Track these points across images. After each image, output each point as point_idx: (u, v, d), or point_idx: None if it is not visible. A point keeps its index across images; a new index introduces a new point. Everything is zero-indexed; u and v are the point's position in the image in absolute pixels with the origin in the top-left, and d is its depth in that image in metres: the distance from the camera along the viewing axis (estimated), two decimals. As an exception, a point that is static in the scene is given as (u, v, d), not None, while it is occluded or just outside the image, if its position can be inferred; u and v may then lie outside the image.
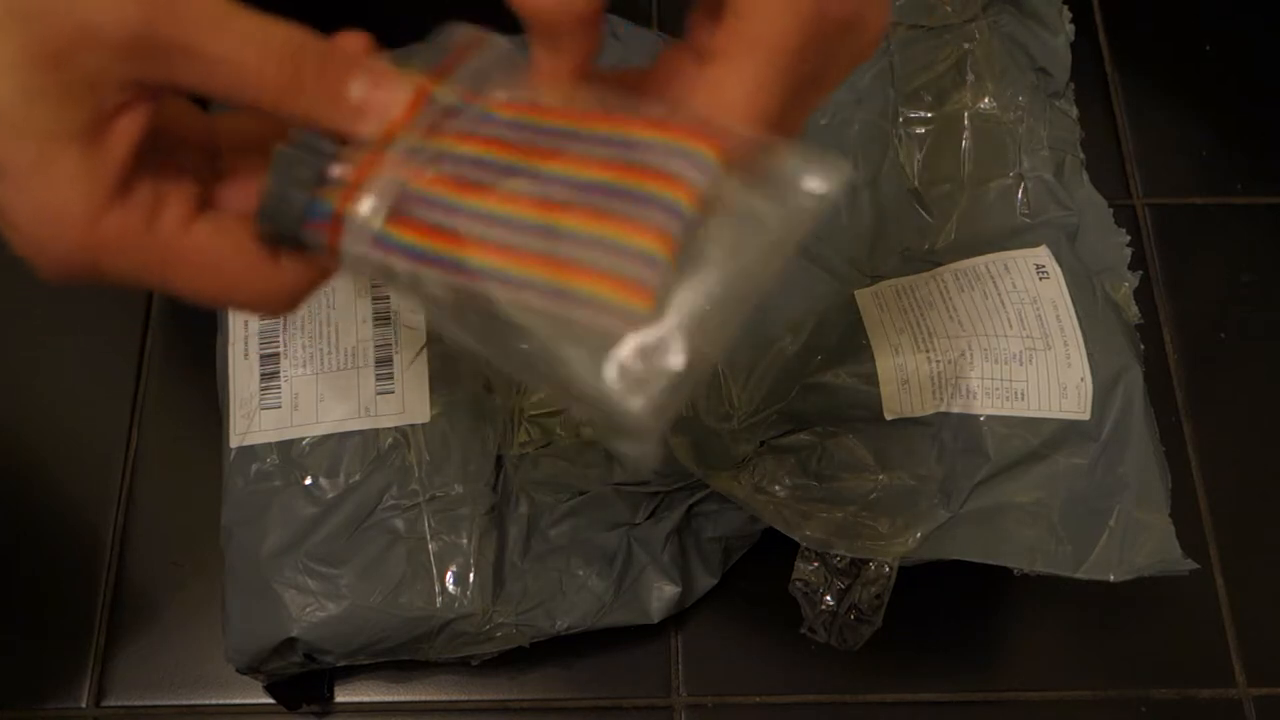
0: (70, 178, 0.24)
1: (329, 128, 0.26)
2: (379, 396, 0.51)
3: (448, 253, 0.25)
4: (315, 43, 0.26)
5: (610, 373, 0.23)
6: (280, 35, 0.25)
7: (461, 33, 0.28)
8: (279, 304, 0.27)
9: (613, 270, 0.23)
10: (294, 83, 0.25)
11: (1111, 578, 0.46)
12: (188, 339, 0.60)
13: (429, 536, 0.49)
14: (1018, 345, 0.49)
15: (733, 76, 0.26)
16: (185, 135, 0.28)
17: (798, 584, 0.48)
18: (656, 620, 0.51)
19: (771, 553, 0.51)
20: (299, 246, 0.26)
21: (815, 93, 0.27)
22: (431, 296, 0.25)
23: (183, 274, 0.26)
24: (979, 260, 0.51)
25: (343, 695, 0.53)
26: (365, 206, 0.25)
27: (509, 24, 0.29)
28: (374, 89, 0.26)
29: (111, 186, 0.24)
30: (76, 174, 0.24)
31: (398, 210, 0.25)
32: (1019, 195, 0.54)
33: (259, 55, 0.25)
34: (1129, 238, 0.54)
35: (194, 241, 0.26)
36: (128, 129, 0.25)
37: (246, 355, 0.52)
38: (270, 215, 0.26)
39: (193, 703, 0.53)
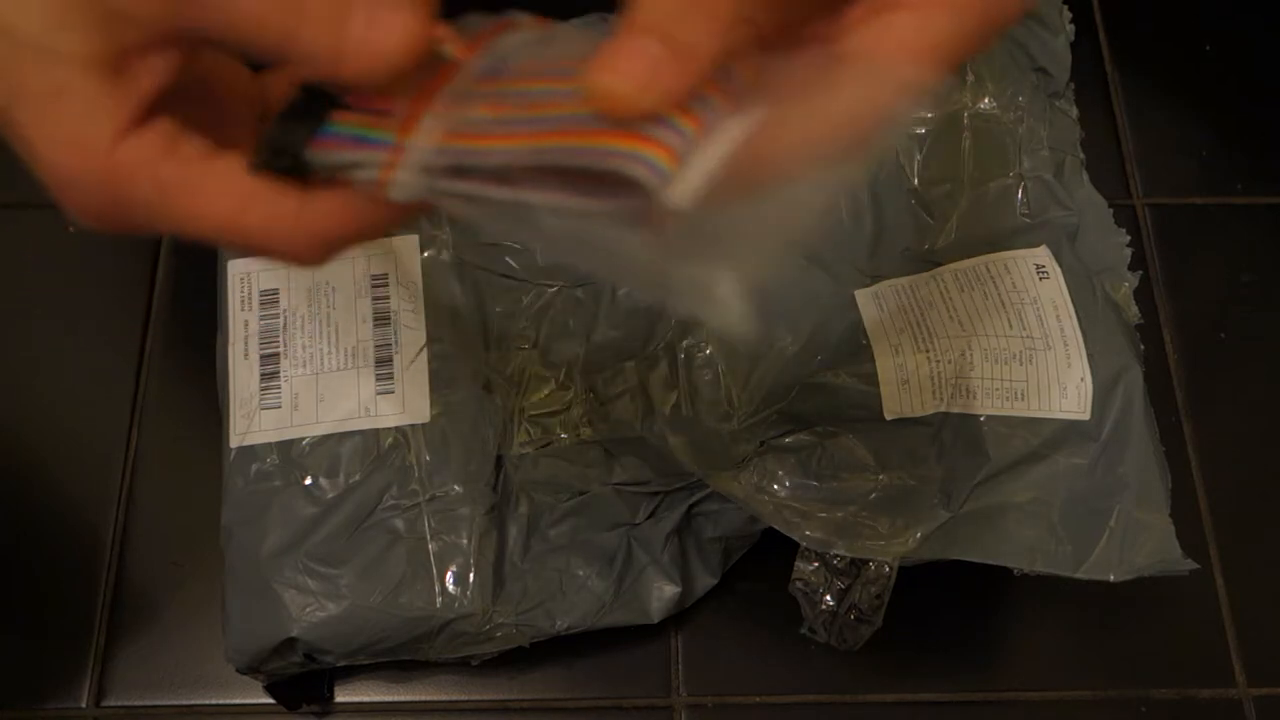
0: (90, 104, 0.24)
1: (332, 69, 0.25)
2: (379, 396, 0.51)
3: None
4: None
5: (645, 173, 0.22)
6: None
7: (486, 20, 0.28)
8: (307, 247, 0.26)
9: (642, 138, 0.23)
10: (297, 18, 0.24)
11: (1111, 578, 0.46)
12: (188, 339, 0.60)
13: (429, 536, 0.49)
14: (1018, 345, 0.49)
15: (921, 22, 0.24)
16: (234, 94, 0.28)
17: (798, 584, 0.48)
18: (656, 620, 0.51)
19: (771, 553, 0.51)
20: (304, 176, 0.26)
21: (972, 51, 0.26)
22: (480, 205, 0.25)
23: (202, 204, 0.25)
24: (979, 260, 0.51)
25: (343, 695, 0.53)
26: (424, 134, 0.25)
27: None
28: (371, 28, 0.25)
29: (131, 116, 0.24)
30: (97, 101, 0.24)
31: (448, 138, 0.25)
32: (1019, 195, 0.54)
33: None
34: (1129, 238, 0.54)
35: (215, 168, 0.25)
36: (154, 67, 0.25)
37: (246, 355, 0.52)
38: (273, 139, 0.25)
39: (193, 703, 0.53)
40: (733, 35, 0.23)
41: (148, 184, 0.25)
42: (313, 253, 0.26)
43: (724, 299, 0.23)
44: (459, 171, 0.25)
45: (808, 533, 0.47)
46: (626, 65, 0.23)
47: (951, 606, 0.55)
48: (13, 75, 0.24)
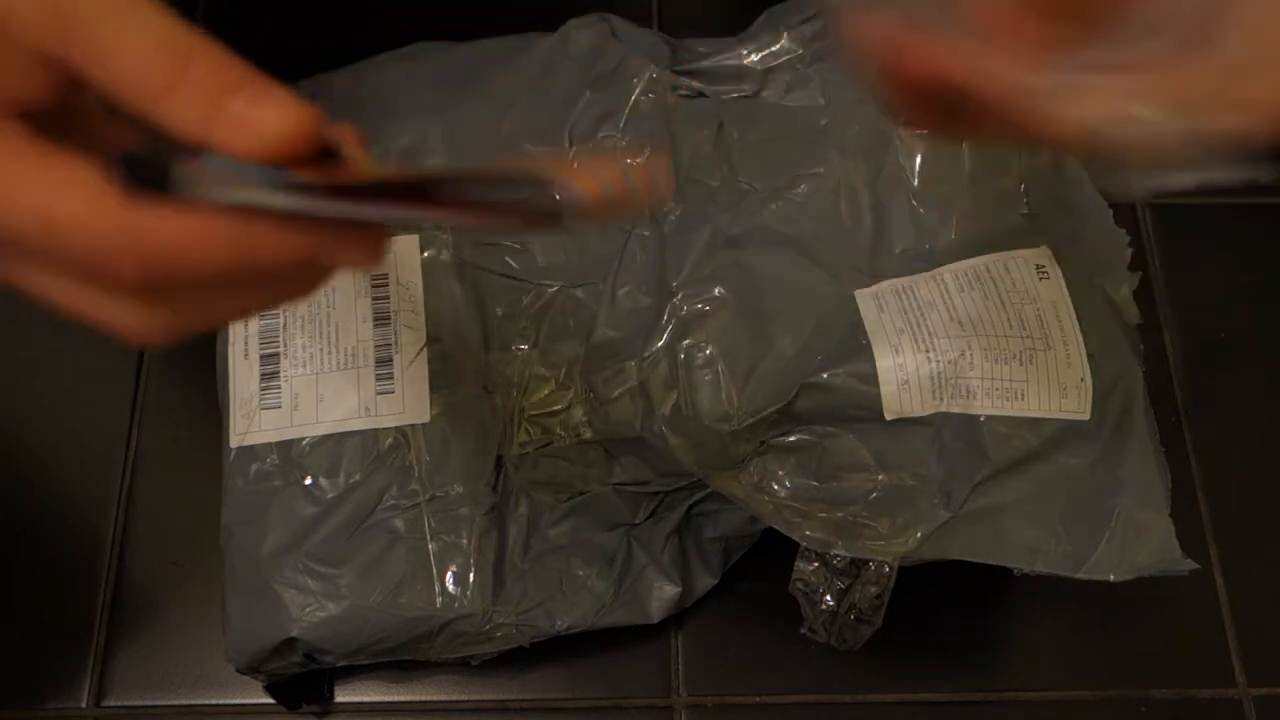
0: None
1: (200, 137, 0.24)
2: (379, 396, 0.51)
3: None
4: (212, 48, 0.24)
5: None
6: (179, 30, 0.24)
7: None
8: (133, 264, 0.25)
9: None
10: (178, 79, 0.24)
11: (1111, 578, 0.46)
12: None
13: (429, 536, 0.49)
14: (1018, 345, 0.49)
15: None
16: (106, 142, 0.27)
17: (798, 584, 0.48)
18: (656, 620, 0.51)
19: (771, 553, 0.51)
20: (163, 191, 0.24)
21: None
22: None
23: (18, 186, 0.24)
24: (979, 260, 0.51)
25: (343, 695, 0.53)
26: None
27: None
28: (254, 105, 0.24)
29: None
30: None
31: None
32: (1019, 195, 0.54)
33: (152, 50, 0.24)
34: (1129, 238, 0.54)
35: (43, 157, 0.24)
36: (14, 79, 0.24)
37: (246, 355, 0.52)
38: (134, 155, 0.24)
39: (193, 703, 0.53)
40: None
41: None
42: (135, 271, 0.24)
43: None
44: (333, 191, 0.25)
45: (808, 533, 0.47)
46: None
47: (951, 606, 0.55)
48: None
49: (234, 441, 0.51)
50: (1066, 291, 0.50)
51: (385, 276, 0.53)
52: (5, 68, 0.24)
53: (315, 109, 0.24)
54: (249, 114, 0.24)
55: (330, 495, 0.50)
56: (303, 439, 0.50)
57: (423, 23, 0.60)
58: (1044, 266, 0.51)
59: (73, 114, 0.26)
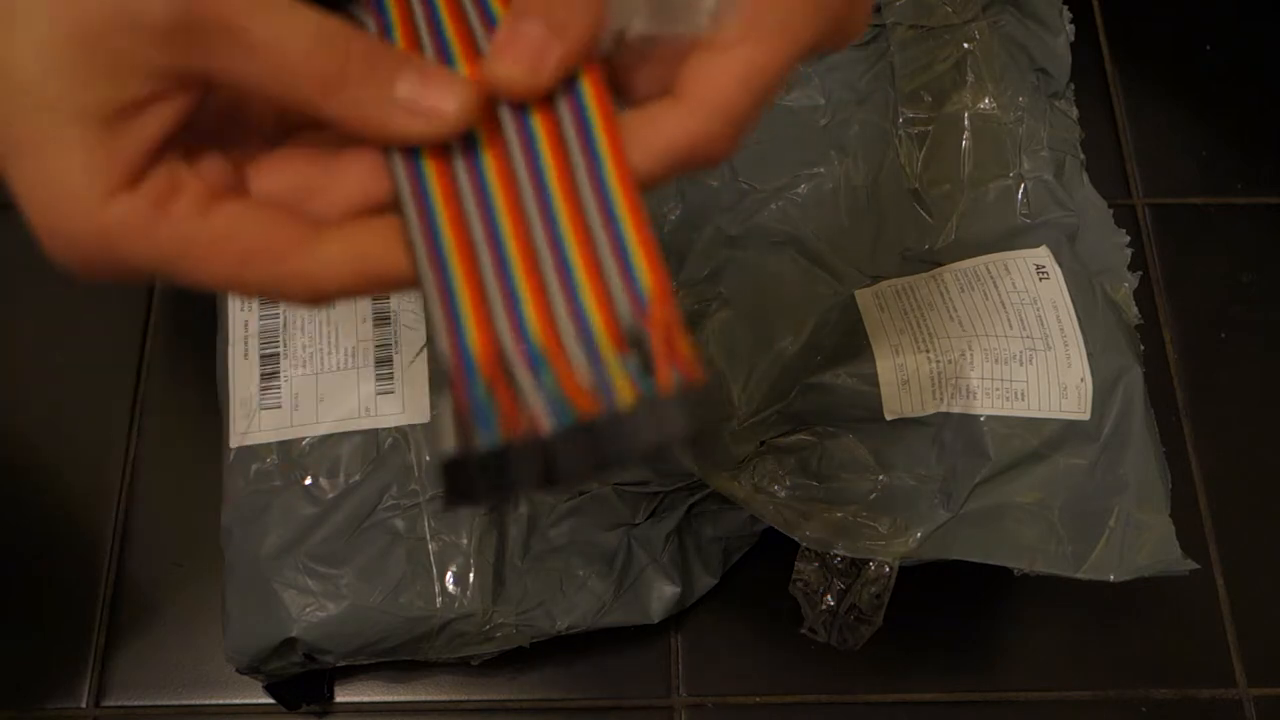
0: (84, 159, 0.23)
1: (374, 128, 0.24)
2: (379, 396, 0.51)
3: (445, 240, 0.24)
4: (363, 34, 0.24)
5: None
6: (329, 23, 0.23)
7: None
8: (312, 298, 0.24)
9: None
10: (340, 73, 0.23)
11: (1111, 578, 0.46)
12: (188, 339, 0.60)
13: (429, 536, 0.49)
14: (1018, 345, 0.49)
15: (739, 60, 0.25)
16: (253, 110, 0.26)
17: (798, 584, 0.48)
18: (656, 620, 0.51)
19: (771, 553, 0.51)
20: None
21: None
22: None
23: (200, 267, 0.24)
24: (979, 260, 0.51)
25: (343, 695, 0.53)
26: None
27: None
28: (424, 88, 0.24)
29: (124, 173, 0.23)
30: (91, 156, 0.23)
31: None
32: (1019, 196, 0.54)
33: (308, 42, 0.23)
34: (1129, 238, 0.54)
35: (212, 227, 0.24)
36: (156, 119, 0.23)
37: (246, 355, 0.52)
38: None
39: (193, 703, 0.53)
40: (603, 8, 0.24)
41: (142, 245, 0.23)
42: (317, 304, 0.25)
43: None
44: None
45: (808, 533, 0.47)
46: (516, 52, 0.24)
47: (951, 606, 0.55)
48: (6, 124, 0.23)
49: (234, 441, 0.51)
50: (1066, 292, 0.50)
51: (385, 276, 0.53)
52: (142, 104, 0.23)
53: (477, 82, 0.24)
54: (422, 98, 0.24)
55: (330, 495, 0.50)
56: (303, 439, 0.50)
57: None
58: (1044, 266, 0.51)
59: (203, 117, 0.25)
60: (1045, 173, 0.54)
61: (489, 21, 0.25)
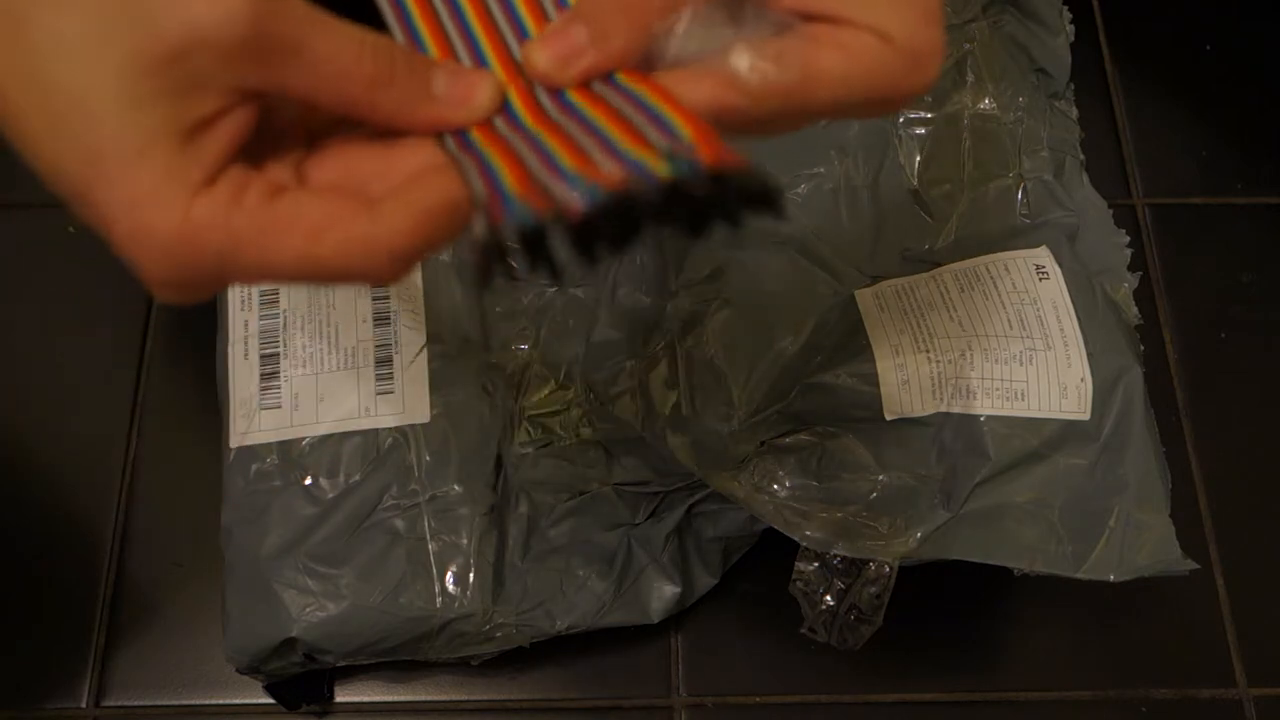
0: (167, 170, 0.24)
1: (419, 119, 0.27)
2: (379, 396, 0.51)
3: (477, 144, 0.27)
4: (393, 42, 0.27)
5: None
6: (370, 35, 0.26)
7: None
8: (388, 265, 0.26)
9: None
10: (387, 76, 0.26)
11: (1111, 578, 0.46)
12: (188, 339, 0.60)
13: (429, 536, 0.49)
14: (1018, 345, 0.49)
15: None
16: (284, 120, 0.28)
17: (798, 584, 0.48)
18: (656, 620, 0.51)
19: (771, 553, 0.51)
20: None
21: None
22: None
23: (275, 245, 0.25)
24: (979, 261, 0.51)
25: (343, 695, 0.53)
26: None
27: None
28: (456, 82, 0.27)
29: (204, 178, 0.25)
30: (174, 166, 0.24)
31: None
32: (1019, 196, 0.54)
33: (358, 51, 0.26)
34: (1129, 238, 0.54)
35: (281, 209, 0.26)
36: (227, 131, 0.25)
37: (246, 355, 0.52)
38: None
39: (193, 703, 0.53)
40: (651, 29, 0.27)
41: (221, 238, 0.25)
42: (393, 269, 0.26)
43: None
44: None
45: (808, 533, 0.47)
46: (555, 45, 0.27)
47: (951, 606, 0.55)
48: (89, 145, 0.24)
49: (234, 441, 0.51)
50: (1066, 292, 0.50)
51: (385, 276, 0.53)
52: (212, 118, 0.25)
53: (491, 73, 0.28)
54: (456, 89, 0.27)
55: (330, 495, 0.50)
56: (303, 439, 0.50)
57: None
58: (1044, 266, 0.51)
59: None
60: (1045, 173, 0.54)
61: (520, 33, 0.28)
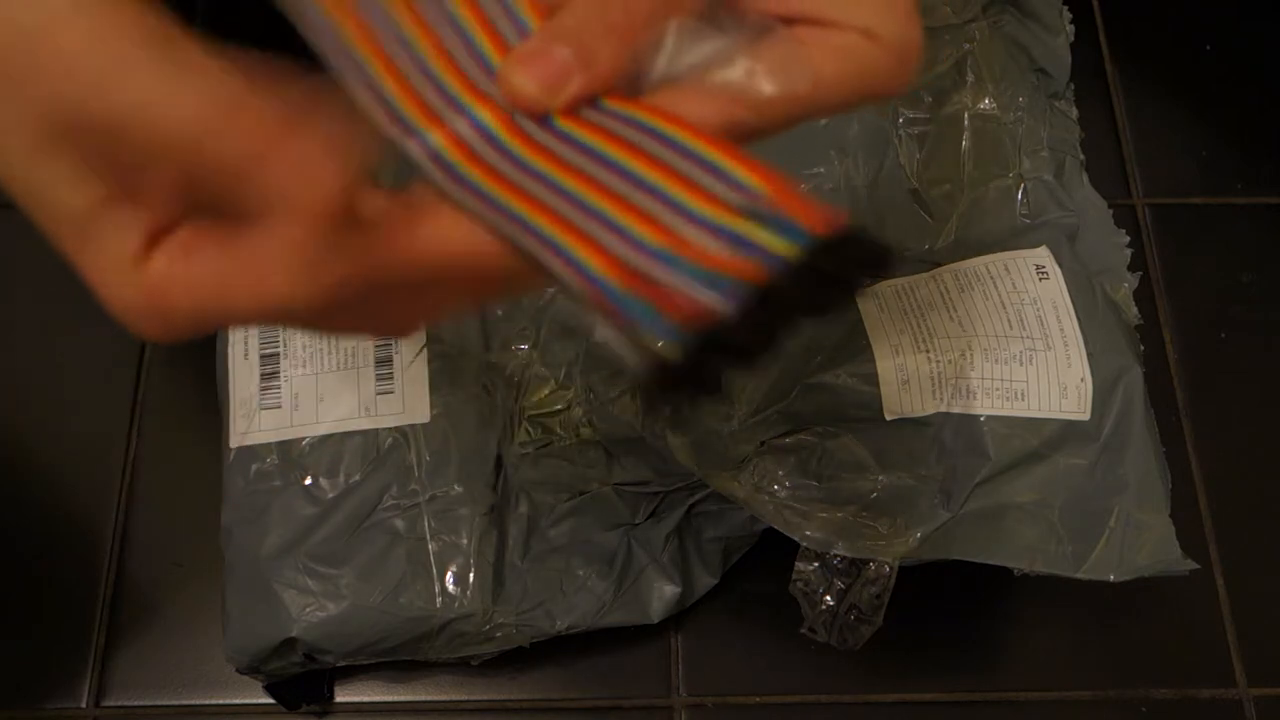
0: (114, 239, 0.24)
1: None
2: (379, 396, 0.51)
3: (514, 208, 0.23)
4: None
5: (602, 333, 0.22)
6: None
7: None
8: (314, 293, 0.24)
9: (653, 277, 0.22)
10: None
11: (1111, 578, 0.46)
12: (188, 339, 0.60)
13: (429, 536, 0.49)
14: (1018, 346, 0.49)
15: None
16: None
17: (798, 584, 0.48)
18: (656, 620, 0.51)
19: (771, 553, 0.51)
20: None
21: None
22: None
23: (229, 294, 0.24)
24: (979, 261, 0.51)
25: (343, 695, 0.53)
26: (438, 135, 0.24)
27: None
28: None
29: (148, 240, 0.24)
30: (118, 228, 0.24)
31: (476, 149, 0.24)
32: (1019, 196, 0.54)
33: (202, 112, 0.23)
34: (1129, 238, 0.54)
35: (231, 257, 0.24)
36: (147, 200, 0.24)
37: (246, 355, 0.52)
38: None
39: (193, 703, 0.53)
40: (635, 56, 0.24)
41: (181, 291, 0.24)
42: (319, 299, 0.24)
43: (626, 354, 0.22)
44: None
45: (808, 533, 0.47)
46: (538, 68, 0.24)
47: (951, 606, 0.55)
48: (44, 222, 0.24)
49: (234, 441, 0.51)
50: (1066, 292, 0.50)
51: (385, 276, 0.53)
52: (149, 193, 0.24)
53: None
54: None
55: (330, 495, 0.50)
56: (303, 439, 0.50)
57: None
58: (1044, 266, 0.51)
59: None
60: (1045, 173, 0.54)
61: (521, 29, 0.25)
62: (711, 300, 0.21)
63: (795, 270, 0.21)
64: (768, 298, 0.21)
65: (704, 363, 0.21)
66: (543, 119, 0.24)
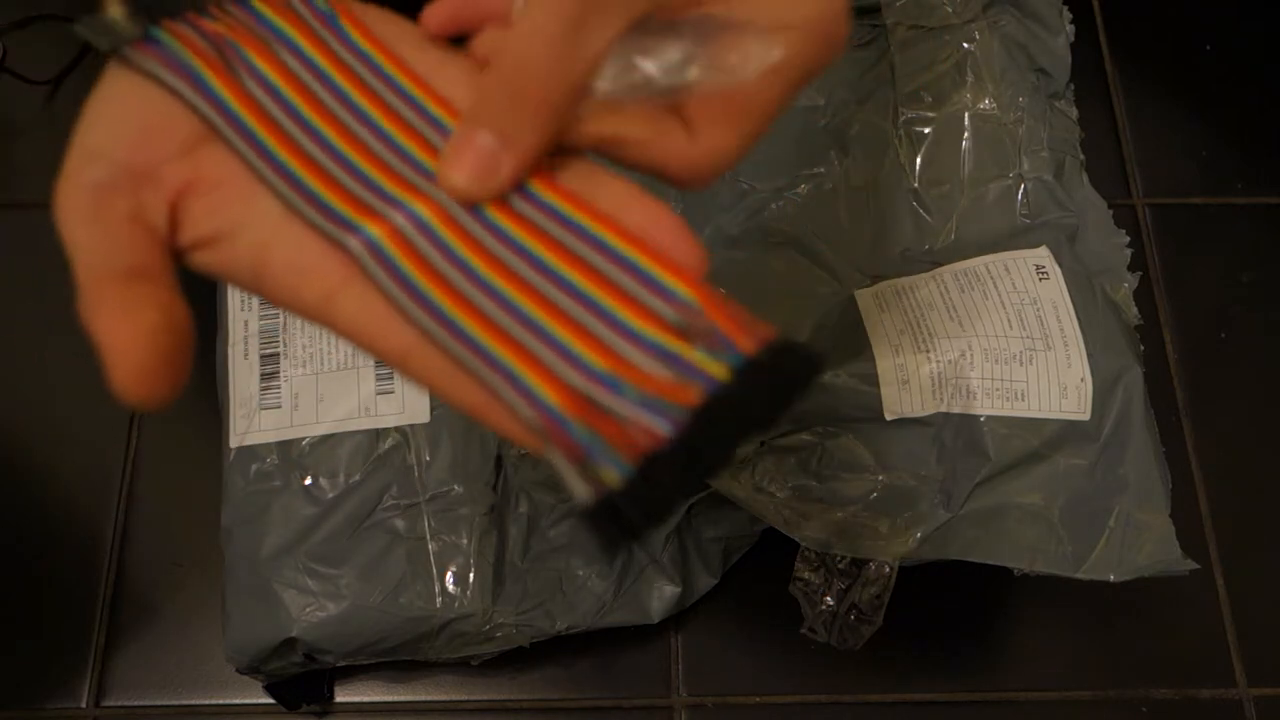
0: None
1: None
2: (379, 396, 0.51)
3: (461, 322, 0.23)
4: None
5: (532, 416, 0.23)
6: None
7: None
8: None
9: (556, 370, 0.23)
10: None
11: (1111, 578, 0.46)
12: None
13: (429, 536, 0.49)
14: (1018, 346, 0.49)
15: (722, 142, 0.26)
16: None
17: (798, 584, 0.48)
18: (656, 620, 0.51)
19: (771, 553, 0.51)
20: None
21: None
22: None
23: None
24: (979, 261, 0.51)
25: (343, 695, 0.53)
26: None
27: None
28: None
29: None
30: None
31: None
32: (1019, 196, 0.54)
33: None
34: (1128, 239, 0.54)
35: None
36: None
37: (246, 355, 0.52)
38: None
39: (193, 703, 0.53)
40: (558, 121, 0.25)
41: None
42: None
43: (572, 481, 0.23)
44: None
45: (808, 533, 0.47)
46: (467, 159, 0.24)
47: (951, 606, 0.55)
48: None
49: (234, 441, 0.51)
50: (1066, 292, 0.50)
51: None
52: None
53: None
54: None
55: (330, 495, 0.50)
56: (303, 439, 0.50)
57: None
58: (1044, 266, 0.51)
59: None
60: (1045, 173, 0.54)
61: (437, 126, 0.25)
62: (654, 425, 0.22)
63: (728, 390, 0.22)
64: (707, 418, 0.22)
65: (651, 491, 0.22)
66: (474, 209, 0.24)
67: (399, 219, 0.24)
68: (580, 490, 0.23)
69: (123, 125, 0.25)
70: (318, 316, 0.24)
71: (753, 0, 0.26)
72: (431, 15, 0.27)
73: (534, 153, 0.24)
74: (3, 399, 0.59)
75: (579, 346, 0.23)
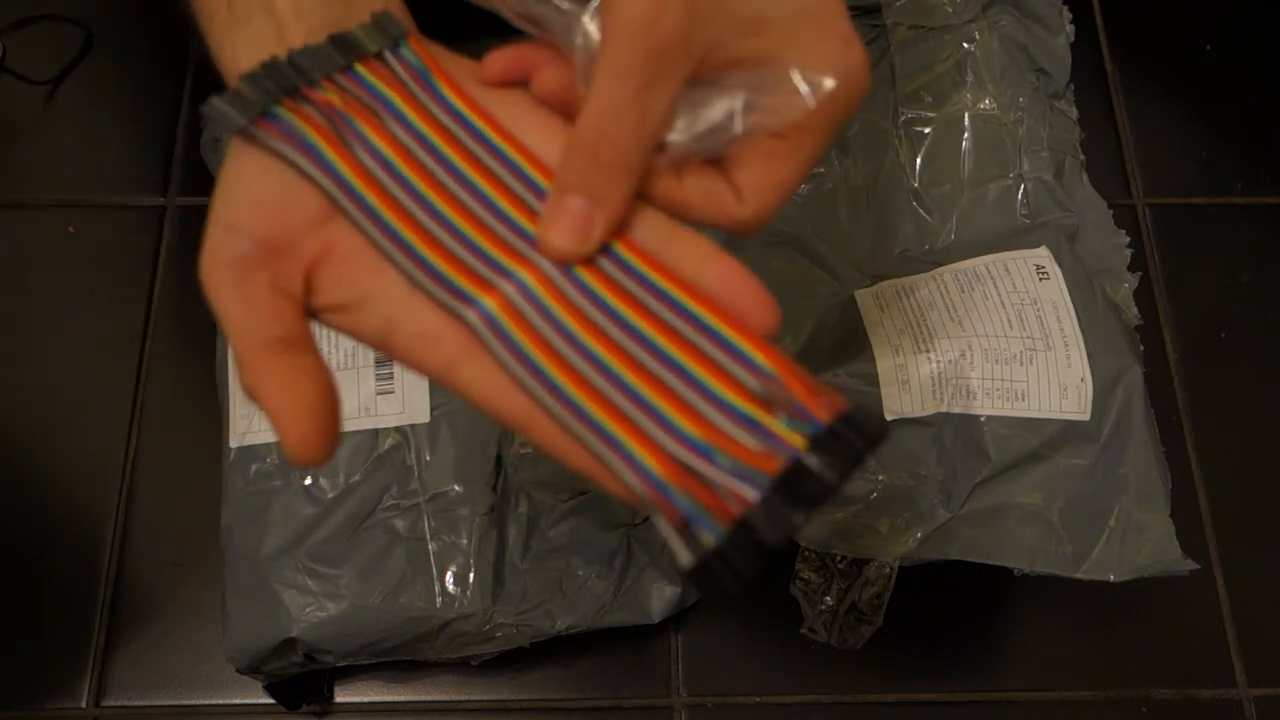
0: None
1: None
2: (379, 396, 0.51)
3: (570, 392, 0.25)
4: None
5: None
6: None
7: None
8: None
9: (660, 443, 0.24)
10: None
11: (1111, 578, 0.46)
12: (188, 340, 0.60)
13: (429, 536, 0.49)
14: (1018, 346, 0.49)
15: (765, 202, 0.30)
16: None
17: (798, 584, 0.48)
18: (656, 620, 0.51)
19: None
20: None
21: None
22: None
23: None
24: (979, 261, 0.51)
25: (343, 695, 0.53)
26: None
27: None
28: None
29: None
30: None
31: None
32: (1019, 196, 0.54)
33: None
34: (1129, 239, 0.54)
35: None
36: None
37: (246, 355, 0.52)
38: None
39: (193, 703, 0.53)
40: (638, 178, 0.27)
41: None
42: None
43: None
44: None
45: (808, 533, 0.47)
46: (564, 223, 0.27)
47: (951, 606, 0.55)
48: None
49: (234, 441, 0.51)
50: (1066, 292, 0.50)
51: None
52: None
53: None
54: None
55: (330, 495, 0.50)
56: (303, 439, 0.50)
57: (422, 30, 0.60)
58: (1044, 266, 0.51)
59: None
60: (1045, 173, 0.54)
61: (532, 187, 0.28)
62: (745, 493, 0.24)
63: (806, 459, 0.24)
64: (788, 486, 0.24)
65: (740, 552, 0.25)
66: (568, 271, 0.27)
67: (509, 289, 0.26)
68: (682, 554, 0.24)
69: (257, 202, 0.27)
70: (442, 380, 0.27)
71: (784, 53, 0.28)
72: (490, 66, 0.29)
73: (621, 210, 0.27)
74: (3, 399, 0.59)
75: (677, 416, 0.25)
